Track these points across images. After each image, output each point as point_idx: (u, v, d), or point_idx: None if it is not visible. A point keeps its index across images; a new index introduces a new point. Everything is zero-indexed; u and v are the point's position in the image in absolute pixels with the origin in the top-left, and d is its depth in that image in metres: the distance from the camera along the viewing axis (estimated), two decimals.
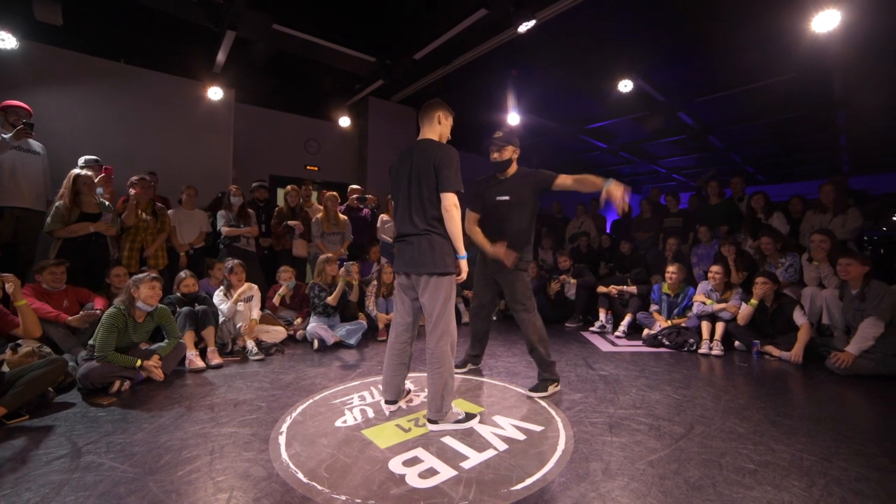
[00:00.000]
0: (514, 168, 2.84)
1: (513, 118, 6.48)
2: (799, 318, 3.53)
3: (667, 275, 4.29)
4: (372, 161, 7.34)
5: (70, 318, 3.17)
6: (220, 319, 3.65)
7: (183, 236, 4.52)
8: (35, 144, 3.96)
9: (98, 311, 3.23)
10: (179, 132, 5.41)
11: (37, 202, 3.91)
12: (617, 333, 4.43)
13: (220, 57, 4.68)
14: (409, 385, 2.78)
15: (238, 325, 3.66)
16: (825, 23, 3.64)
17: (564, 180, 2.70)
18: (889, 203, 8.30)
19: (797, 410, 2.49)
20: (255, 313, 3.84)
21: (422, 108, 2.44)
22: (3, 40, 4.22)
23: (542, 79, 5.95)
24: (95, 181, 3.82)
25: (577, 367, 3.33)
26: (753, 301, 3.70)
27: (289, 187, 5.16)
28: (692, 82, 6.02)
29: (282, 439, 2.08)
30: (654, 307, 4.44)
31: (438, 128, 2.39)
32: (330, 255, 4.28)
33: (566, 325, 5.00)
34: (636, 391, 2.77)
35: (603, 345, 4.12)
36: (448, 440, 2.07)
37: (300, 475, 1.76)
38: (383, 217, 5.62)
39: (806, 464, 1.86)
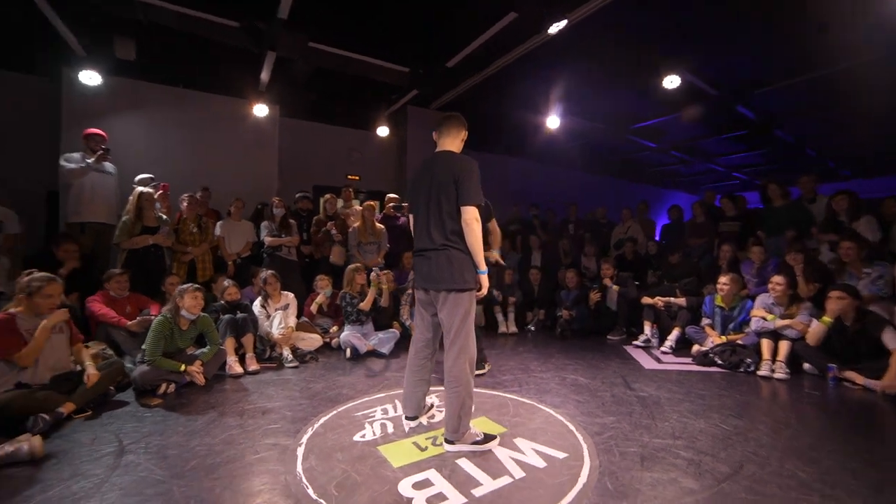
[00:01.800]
0: None
1: (552, 121, 6.26)
2: (890, 340, 3.01)
3: (718, 285, 3.90)
4: (411, 169, 7.43)
5: (129, 322, 3.47)
6: (259, 327, 3.82)
7: (231, 246, 4.82)
8: (109, 166, 4.44)
9: (152, 317, 3.51)
10: (229, 148, 5.82)
11: (110, 217, 4.37)
12: (663, 349, 4.10)
13: (264, 76, 4.96)
14: (433, 399, 2.74)
15: (275, 333, 3.81)
16: None
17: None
18: None
19: (888, 459, 2.06)
20: (291, 321, 3.99)
21: (442, 120, 2.39)
22: (90, 78, 4.81)
23: (582, 79, 5.69)
24: (155, 197, 4.17)
25: (614, 386, 3.11)
26: (826, 318, 3.24)
27: (327, 196, 5.34)
28: (750, 73, 5.47)
29: (300, 451, 2.11)
30: (705, 321, 4.06)
31: (460, 145, 2.36)
32: (358, 264, 4.36)
33: (608, 337, 4.72)
34: (678, 417, 2.53)
35: (646, 361, 3.83)
36: (463, 463, 2.00)
37: (310, 491, 1.76)
38: None
39: None
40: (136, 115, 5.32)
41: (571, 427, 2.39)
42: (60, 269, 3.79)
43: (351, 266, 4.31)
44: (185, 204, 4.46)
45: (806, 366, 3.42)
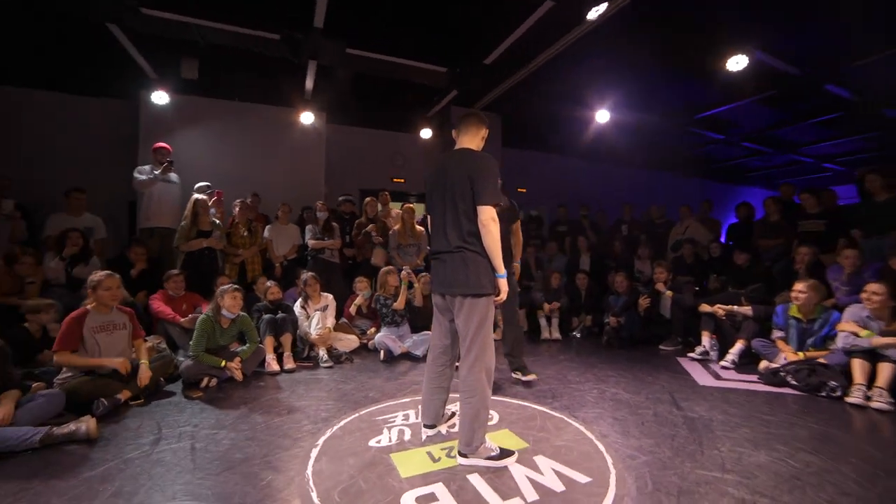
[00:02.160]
0: None
1: (602, 115, 5.88)
2: None
3: (794, 293, 3.38)
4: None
5: (182, 319, 3.76)
6: (298, 327, 3.96)
7: (278, 249, 5.07)
8: (173, 176, 4.87)
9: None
10: (279, 155, 6.17)
11: (174, 223, 4.78)
12: (723, 363, 3.64)
13: (309, 84, 5.18)
14: (454, 408, 2.63)
15: (312, 333, 3.93)
16: None
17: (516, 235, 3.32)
18: None
19: None
20: (329, 322, 4.09)
21: (462, 118, 2.30)
22: (160, 98, 5.36)
23: (634, 68, 5.26)
24: (210, 204, 4.50)
25: (659, 404, 2.79)
26: None
27: (367, 199, 5.45)
28: (841, 43, 4.69)
29: (314, 453, 2.12)
30: (777, 333, 3.54)
31: (481, 143, 2.25)
32: (391, 267, 4.38)
33: (660, 347, 4.30)
34: (731, 445, 2.19)
35: (702, 376, 3.41)
36: (474, 479, 1.88)
37: (314, 494, 1.75)
38: None
39: None
40: (197, 128, 5.82)
41: (601, 447, 2.16)
42: (132, 270, 4.23)
43: (383, 269, 4.35)
44: (236, 209, 4.77)
45: None
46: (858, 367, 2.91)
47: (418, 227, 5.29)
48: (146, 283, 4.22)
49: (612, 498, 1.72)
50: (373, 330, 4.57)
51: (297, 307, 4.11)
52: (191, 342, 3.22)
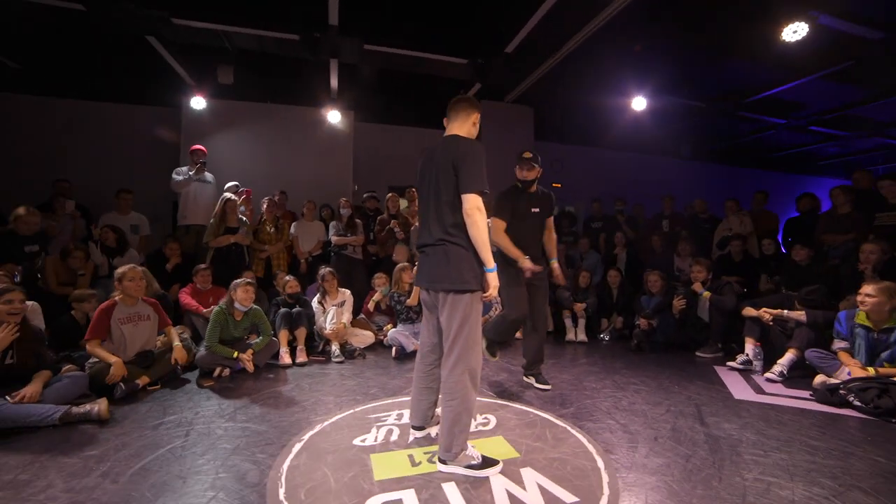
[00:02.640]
0: (535, 186, 3.00)
1: (638, 103, 5.45)
2: None
3: (860, 297, 2.88)
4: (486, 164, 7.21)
5: (205, 311, 3.94)
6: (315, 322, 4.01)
7: (303, 245, 5.20)
8: (208, 175, 5.15)
9: None
10: (307, 154, 6.35)
11: (208, 220, 5.04)
12: (769, 374, 3.19)
13: (333, 83, 5.26)
14: None
15: (326, 328, 3.96)
16: None
17: (551, 230, 3.14)
18: None
19: None
20: (345, 317, 4.11)
21: (452, 102, 2.19)
22: (198, 104, 5.70)
23: (675, 48, 4.81)
24: (238, 202, 4.70)
25: (681, 417, 2.48)
26: None
27: (389, 195, 5.43)
28: None
29: (297, 447, 2.10)
30: (839, 344, 3.03)
31: (472, 129, 2.12)
32: (406, 263, 4.30)
33: (697, 354, 3.88)
34: (759, 474, 1.86)
35: (739, 388, 3.01)
36: (449, 488, 1.75)
37: (281, 491, 1.71)
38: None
39: None
40: (232, 130, 6.14)
41: (600, 464, 1.94)
42: (167, 265, 4.52)
43: (398, 266, 4.29)
44: (264, 206, 4.94)
45: None
46: None
47: None
48: (180, 276, 4.49)
49: None
50: (389, 326, 4.54)
51: (314, 302, 4.17)
52: (206, 333, 3.35)
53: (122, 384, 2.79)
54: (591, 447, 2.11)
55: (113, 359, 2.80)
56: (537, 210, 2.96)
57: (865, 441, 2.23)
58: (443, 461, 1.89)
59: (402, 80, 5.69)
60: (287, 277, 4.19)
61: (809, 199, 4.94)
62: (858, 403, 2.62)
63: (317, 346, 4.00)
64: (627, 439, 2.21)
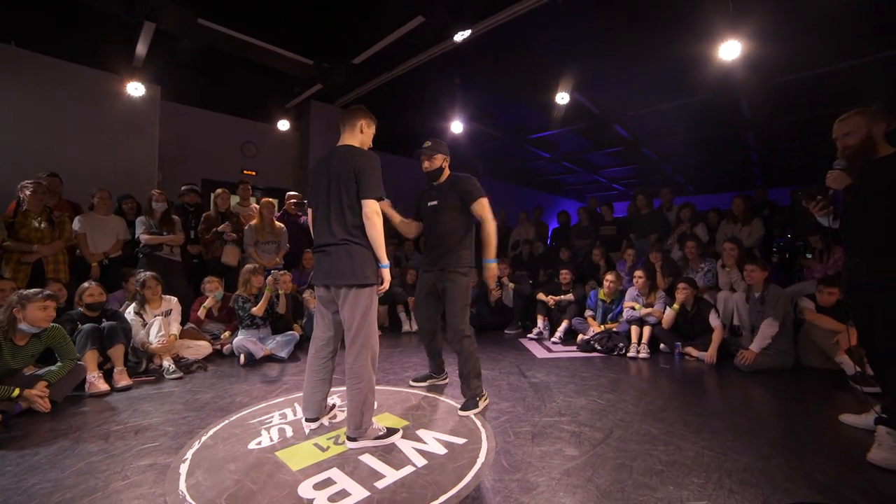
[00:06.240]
0: (445, 175, 2.90)
1: (456, 126, 6.54)
2: (713, 320, 3.80)
3: (605, 282, 4.47)
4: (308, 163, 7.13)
5: None
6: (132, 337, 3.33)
7: (95, 245, 4.12)
8: None
9: None
10: (92, 130, 4.94)
11: None
12: (553, 339, 4.56)
13: (140, 50, 4.32)
14: (334, 400, 2.68)
15: (152, 342, 3.36)
16: (729, 51, 3.97)
17: (483, 211, 2.73)
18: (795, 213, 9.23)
19: (706, 408, 2.66)
20: (174, 328, 3.56)
21: (344, 114, 2.41)
22: None
23: (485, 88, 6.06)
24: None
25: (510, 376, 3.37)
26: (676, 305, 3.94)
27: (218, 190, 4.86)
28: (625, 97, 6.39)
29: (183, 468, 1.91)
30: (588, 313, 4.61)
31: (360, 136, 2.36)
32: (257, 265, 4.07)
33: (505, 331, 5.09)
34: (563, 398, 2.84)
35: (539, 351, 4.21)
36: (366, 458, 2.00)
37: None
38: None
39: (706, 459, 1.97)
40: None
41: (472, 415, 2.53)
42: None
43: (248, 266, 4.00)
44: (27, 192, 3.68)
45: (662, 346, 4.09)
46: (634, 331, 4.10)
47: (277, 224, 4.98)
48: None
49: (485, 449, 2.07)
50: (227, 334, 4.14)
51: (129, 313, 3.45)
52: None
53: None
54: (458, 406, 2.68)
55: None
56: (434, 203, 2.78)
57: (605, 368, 3.60)
58: (353, 438, 2.11)
59: (229, 64, 5.15)
60: (86, 284, 3.31)
61: (564, 215, 7.02)
62: (599, 348, 4.11)
63: (138, 366, 3.34)
64: None
